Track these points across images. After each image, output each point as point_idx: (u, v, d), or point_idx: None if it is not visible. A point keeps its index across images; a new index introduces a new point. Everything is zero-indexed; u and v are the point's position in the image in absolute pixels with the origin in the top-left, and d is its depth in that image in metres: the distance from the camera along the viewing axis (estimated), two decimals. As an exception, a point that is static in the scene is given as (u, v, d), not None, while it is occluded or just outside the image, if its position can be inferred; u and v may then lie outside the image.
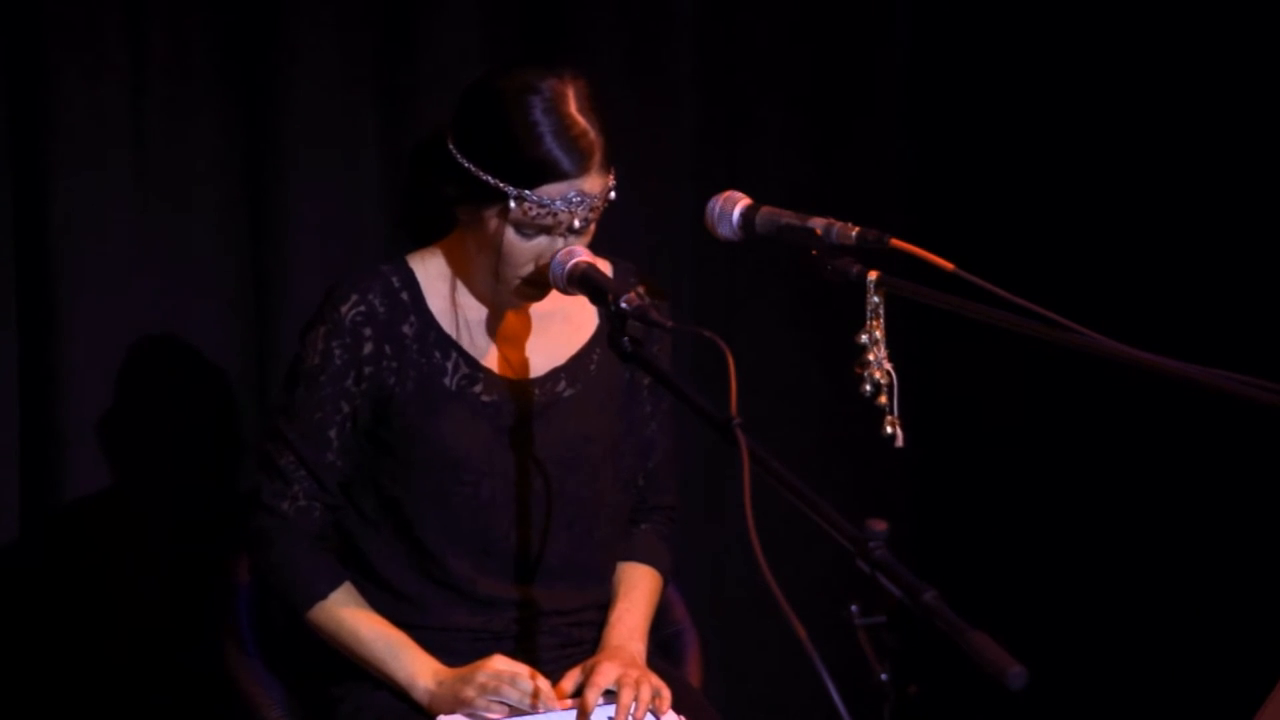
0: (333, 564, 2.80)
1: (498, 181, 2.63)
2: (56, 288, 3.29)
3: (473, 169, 2.65)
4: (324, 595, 2.76)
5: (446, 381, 2.76)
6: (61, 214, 3.28)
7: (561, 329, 2.84)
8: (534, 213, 2.62)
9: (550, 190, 2.62)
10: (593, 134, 2.64)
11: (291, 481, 2.76)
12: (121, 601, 3.36)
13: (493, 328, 2.80)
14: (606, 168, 2.66)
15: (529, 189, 2.61)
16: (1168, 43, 3.91)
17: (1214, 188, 3.89)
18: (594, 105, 2.67)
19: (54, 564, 3.34)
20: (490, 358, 2.79)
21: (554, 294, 2.78)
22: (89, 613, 3.34)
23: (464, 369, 2.77)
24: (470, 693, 2.67)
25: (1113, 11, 3.96)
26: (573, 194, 2.62)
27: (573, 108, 2.64)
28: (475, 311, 2.79)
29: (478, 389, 2.77)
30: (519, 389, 2.79)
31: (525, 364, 2.81)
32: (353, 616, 2.76)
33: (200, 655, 3.21)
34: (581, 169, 2.63)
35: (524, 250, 2.66)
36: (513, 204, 2.61)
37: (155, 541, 3.39)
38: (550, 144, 2.62)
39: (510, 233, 2.65)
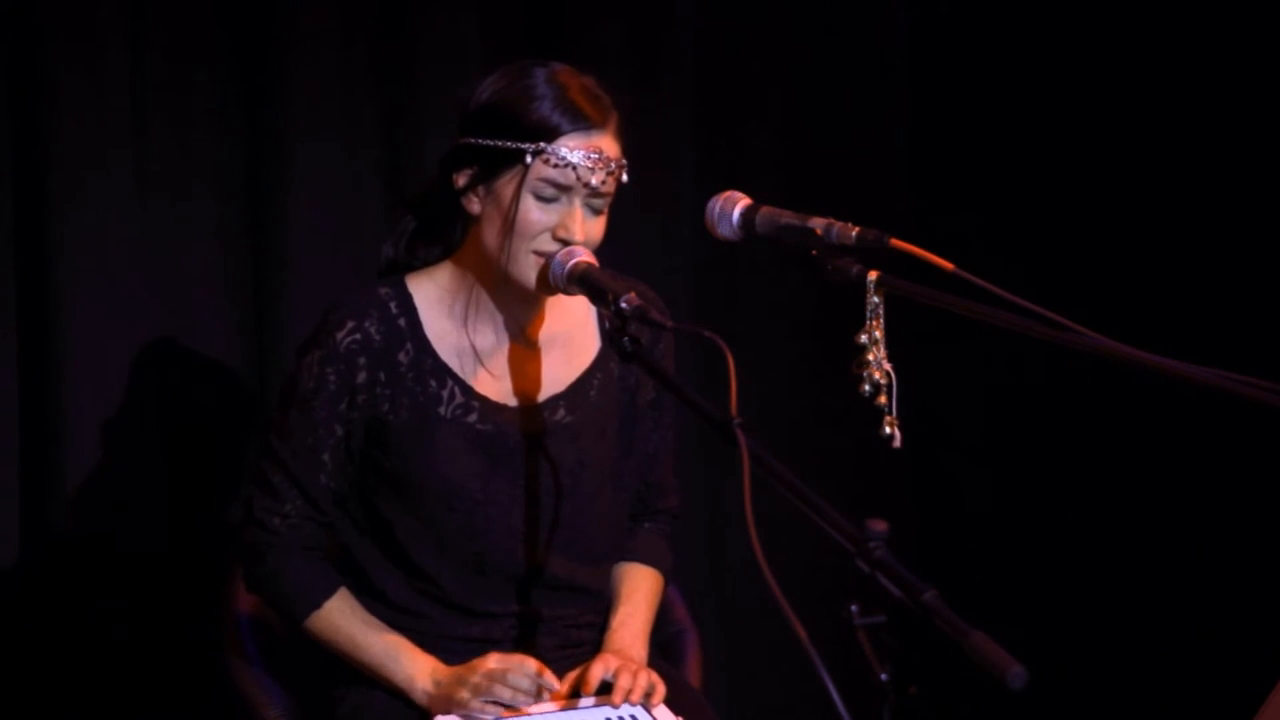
0: (327, 570, 2.78)
1: (517, 143, 2.62)
2: (56, 288, 3.29)
3: (490, 143, 2.64)
4: (319, 604, 2.75)
5: (442, 410, 2.72)
6: (62, 214, 3.28)
7: (562, 355, 2.81)
8: (553, 163, 2.61)
9: (568, 142, 2.62)
10: (606, 99, 2.67)
11: (284, 499, 2.74)
12: (120, 603, 3.35)
13: (491, 354, 2.76)
14: (619, 138, 2.68)
15: (547, 142, 2.61)
16: (1167, 41, 3.91)
17: (1214, 187, 3.89)
18: (601, 87, 2.70)
19: (53, 566, 3.34)
20: (487, 385, 2.75)
21: (556, 318, 2.78)
22: (88, 615, 3.34)
23: (459, 397, 2.73)
24: (464, 694, 2.67)
25: (1112, 9, 3.96)
26: (591, 150, 2.62)
27: (580, 79, 2.68)
28: (474, 337, 2.75)
29: (473, 418, 2.73)
30: (516, 416, 2.76)
31: (524, 391, 2.77)
32: (349, 623, 2.75)
33: (199, 656, 3.22)
34: (599, 123, 2.64)
35: (538, 218, 2.63)
36: (530, 159, 2.61)
37: (154, 544, 3.39)
38: (568, 98, 2.64)
39: (527, 199, 2.62)
